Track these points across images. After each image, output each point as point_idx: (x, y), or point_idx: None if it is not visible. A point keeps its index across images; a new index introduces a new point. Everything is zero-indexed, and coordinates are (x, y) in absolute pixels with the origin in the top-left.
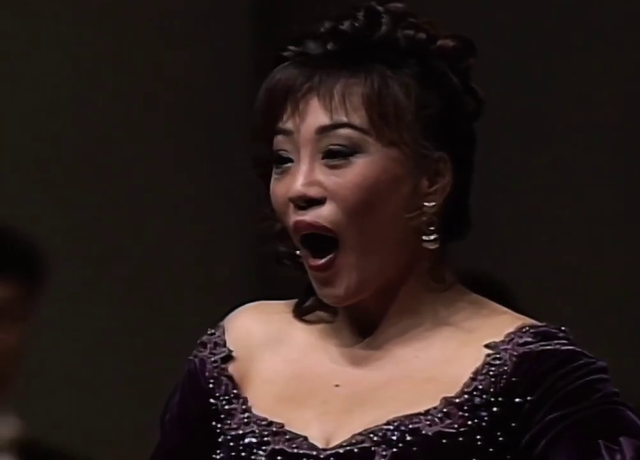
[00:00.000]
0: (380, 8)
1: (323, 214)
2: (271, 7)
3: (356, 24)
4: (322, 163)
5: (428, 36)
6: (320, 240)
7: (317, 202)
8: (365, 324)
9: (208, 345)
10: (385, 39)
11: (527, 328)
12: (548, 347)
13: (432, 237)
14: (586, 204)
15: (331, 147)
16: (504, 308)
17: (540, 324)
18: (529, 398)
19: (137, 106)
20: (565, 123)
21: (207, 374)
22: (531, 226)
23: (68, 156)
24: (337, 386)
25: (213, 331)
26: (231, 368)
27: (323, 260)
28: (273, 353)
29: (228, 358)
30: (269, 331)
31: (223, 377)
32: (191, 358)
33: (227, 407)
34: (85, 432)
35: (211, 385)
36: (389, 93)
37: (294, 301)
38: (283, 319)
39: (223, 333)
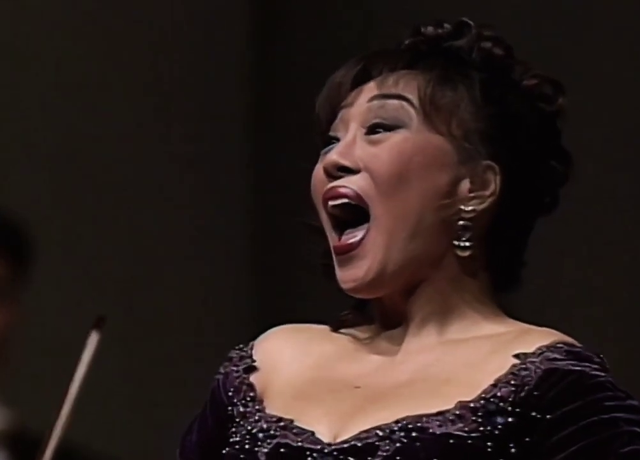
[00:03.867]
0: (472, 23)
1: (355, 181)
2: (270, 6)
3: (439, 30)
4: (365, 138)
5: (505, 53)
6: (349, 223)
7: (351, 171)
8: (396, 334)
9: (234, 359)
10: (461, 48)
11: (561, 345)
12: (577, 368)
13: (463, 244)
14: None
15: (375, 120)
16: (545, 328)
17: (576, 344)
18: (548, 416)
19: (134, 108)
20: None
21: (228, 385)
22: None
23: (66, 149)
24: (358, 387)
25: (241, 346)
26: (253, 377)
27: (352, 240)
28: (299, 362)
29: (252, 368)
30: (298, 347)
31: (243, 385)
32: (216, 376)
33: (242, 409)
34: (78, 423)
35: (230, 394)
36: (448, 87)
37: (325, 326)
38: (315, 337)
39: (251, 349)
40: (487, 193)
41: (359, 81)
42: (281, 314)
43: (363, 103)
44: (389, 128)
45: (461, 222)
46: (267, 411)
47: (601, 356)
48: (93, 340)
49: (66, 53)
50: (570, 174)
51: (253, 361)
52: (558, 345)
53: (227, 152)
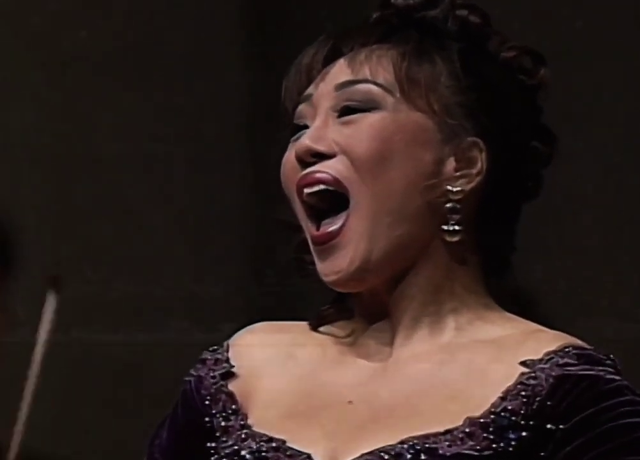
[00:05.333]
0: None
1: (332, 165)
2: (270, 6)
3: (410, 1)
4: (338, 121)
5: (482, 21)
6: (326, 212)
7: (326, 157)
8: (383, 333)
9: (208, 362)
10: (436, 18)
11: (570, 349)
12: (591, 373)
13: (452, 227)
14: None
15: (346, 103)
16: (544, 328)
17: (586, 346)
18: (561, 426)
19: (134, 108)
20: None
21: (203, 391)
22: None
23: (56, 148)
24: (350, 402)
25: (215, 347)
26: (232, 385)
27: (331, 228)
28: (283, 369)
29: (229, 374)
30: (279, 349)
31: (221, 394)
32: (187, 378)
33: (223, 424)
34: (60, 435)
35: (207, 402)
36: (425, 60)
37: (304, 322)
38: (296, 337)
39: (227, 351)
40: (474, 171)
41: (330, 60)
42: (281, 314)
43: (330, 88)
44: (364, 109)
45: (449, 204)
46: (255, 428)
47: (612, 357)
48: (51, 301)
49: (66, 53)
50: (553, 155)
51: (232, 366)
52: (567, 349)
53: (227, 152)
